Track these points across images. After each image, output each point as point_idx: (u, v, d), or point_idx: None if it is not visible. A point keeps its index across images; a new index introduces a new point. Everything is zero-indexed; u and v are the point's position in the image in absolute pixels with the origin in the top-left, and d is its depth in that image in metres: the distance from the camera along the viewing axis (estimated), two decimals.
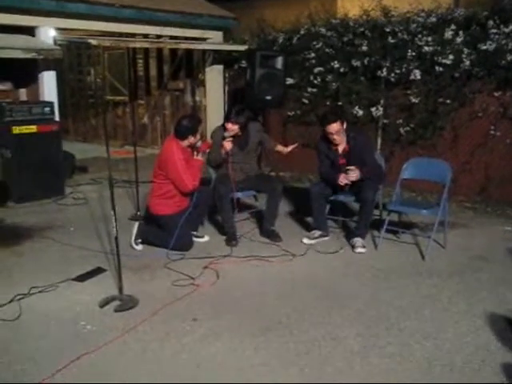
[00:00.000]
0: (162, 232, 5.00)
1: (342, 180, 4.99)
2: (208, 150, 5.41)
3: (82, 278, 4.35)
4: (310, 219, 5.60)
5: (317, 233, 5.32)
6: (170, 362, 3.14)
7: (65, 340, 3.38)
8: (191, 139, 5.01)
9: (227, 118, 5.43)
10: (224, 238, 5.35)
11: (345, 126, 5.11)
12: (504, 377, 2.93)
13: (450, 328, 3.52)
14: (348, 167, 5.00)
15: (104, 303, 3.85)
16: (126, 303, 3.84)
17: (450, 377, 2.96)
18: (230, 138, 5.32)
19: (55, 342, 3.35)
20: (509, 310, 3.73)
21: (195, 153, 5.11)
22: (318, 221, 5.34)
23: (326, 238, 5.33)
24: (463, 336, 3.41)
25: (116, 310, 3.77)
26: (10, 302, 3.87)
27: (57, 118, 7.21)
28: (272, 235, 5.39)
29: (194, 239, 5.22)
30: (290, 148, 5.74)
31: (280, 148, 5.85)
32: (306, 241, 5.26)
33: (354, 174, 4.95)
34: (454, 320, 3.63)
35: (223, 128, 5.45)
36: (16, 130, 6.63)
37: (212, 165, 5.54)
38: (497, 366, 3.03)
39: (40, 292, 4.06)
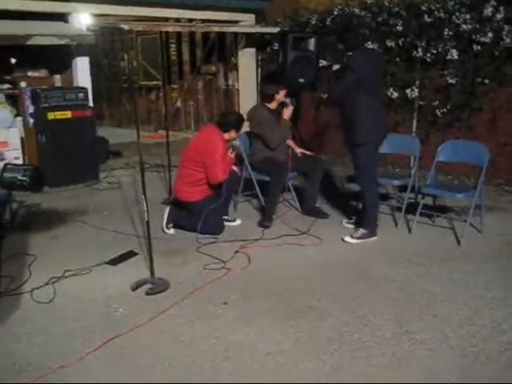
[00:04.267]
0: (193, 216, 5.01)
1: None
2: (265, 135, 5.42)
3: (114, 262, 4.40)
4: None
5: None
6: (199, 345, 3.15)
7: (97, 322, 3.42)
8: (232, 134, 5.11)
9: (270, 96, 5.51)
10: (256, 220, 5.36)
11: None
12: None
13: (486, 315, 3.43)
14: None
15: (136, 286, 3.89)
16: (158, 286, 3.87)
17: (484, 365, 2.88)
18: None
19: (87, 325, 3.40)
20: None
21: (230, 150, 5.15)
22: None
23: None
24: (499, 323, 3.32)
25: (147, 293, 3.80)
26: (44, 284, 3.94)
27: (91, 104, 7.29)
28: (316, 212, 5.48)
29: (226, 223, 5.22)
30: (299, 150, 5.73)
31: (291, 143, 5.76)
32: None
33: None
34: (489, 306, 3.53)
35: (264, 106, 5.54)
36: (51, 115, 6.72)
37: (275, 145, 5.45)
38: None
39: (74, 275, 4.12)
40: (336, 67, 4.88)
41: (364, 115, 4.54)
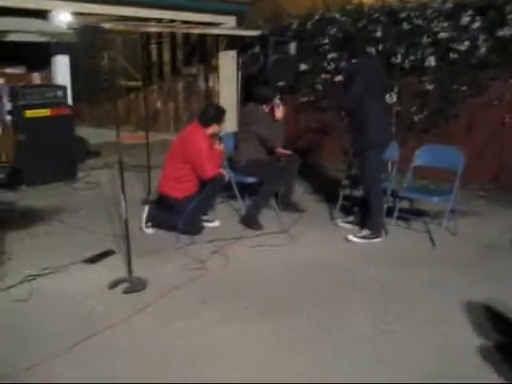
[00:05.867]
0: (173, 216, 5.00)
1: None
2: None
3: (92, 260, 4.38)
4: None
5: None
6: (177, 343, 3.16)
7: (74, 320, 3.41)
8: (215, 128, 5.11)
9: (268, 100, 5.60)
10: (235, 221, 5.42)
11: None
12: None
13: (461, 316, 3.49)
14: None
15: (113, 285, 3.88)
16: (135, 285, 3.86)
17: (457, 364, 2.95)
18: None
19: (64, 322, 3.39)
20: None
21: (217, 142, 5.17)
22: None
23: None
24: (474, 325, 3.37)
25: (125, 292, 3.80)
26: (21, 282, 3.91)
27: (70, 102, 7.23)
28: (293, 206, 5.71)
29: (205, 223, 5.23)
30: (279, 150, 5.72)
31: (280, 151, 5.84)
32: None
33: None
34: (465, 308, 3.59)
35: (260, 107, 5.63)
36: (29, 113, 6.66)
37: (272, 144, 5.60)
38: None
39: (51, 273, 4.09)
40: (339, 78, 5.01)
41: (375, 119, 4.64)
